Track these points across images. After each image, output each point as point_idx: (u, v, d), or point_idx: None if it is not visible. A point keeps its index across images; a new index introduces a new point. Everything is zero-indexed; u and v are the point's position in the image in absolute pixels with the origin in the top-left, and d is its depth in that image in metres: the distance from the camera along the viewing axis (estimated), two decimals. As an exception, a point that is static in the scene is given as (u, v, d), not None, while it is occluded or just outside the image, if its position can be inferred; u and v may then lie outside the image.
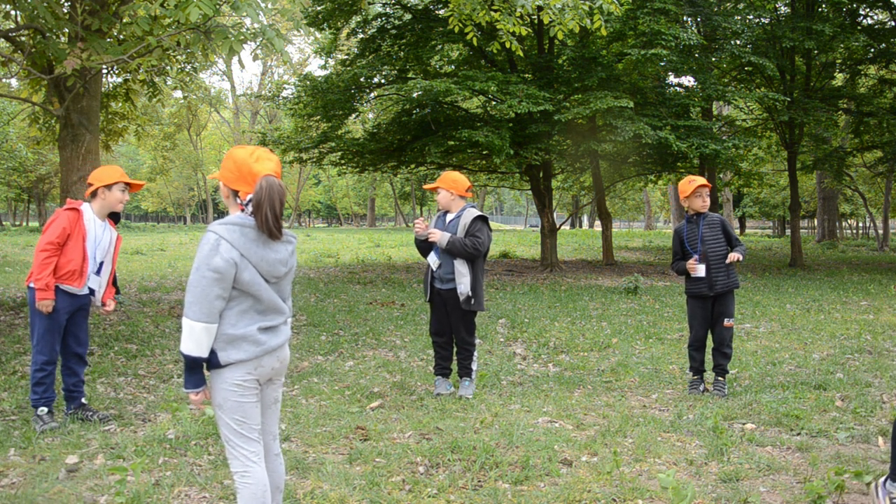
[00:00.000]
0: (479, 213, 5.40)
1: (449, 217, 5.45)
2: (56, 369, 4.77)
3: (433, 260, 5.41)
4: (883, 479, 3.36)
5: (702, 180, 5.47)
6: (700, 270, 5.49)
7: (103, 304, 4.87)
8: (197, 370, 2.58)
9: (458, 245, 5.25)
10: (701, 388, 5.64)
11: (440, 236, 5.30)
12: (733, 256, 5.42)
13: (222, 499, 3.49)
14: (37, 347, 4.60)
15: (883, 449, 4.23)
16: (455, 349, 5.58)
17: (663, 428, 4.62)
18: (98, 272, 4.75)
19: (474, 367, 5.54)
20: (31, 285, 4.54)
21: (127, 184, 4.72)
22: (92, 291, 4.76)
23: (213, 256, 2.51)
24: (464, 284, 5.28)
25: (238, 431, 2.63)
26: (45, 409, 4.62)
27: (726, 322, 5.57)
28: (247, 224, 2.58)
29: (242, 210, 2.63)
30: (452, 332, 5.51)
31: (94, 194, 4.66)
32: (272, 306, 2.66)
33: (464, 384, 5.52)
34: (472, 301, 5.33)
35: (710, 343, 5.74)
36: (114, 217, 4.87)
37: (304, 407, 5.12)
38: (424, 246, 5.49)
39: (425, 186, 5.85)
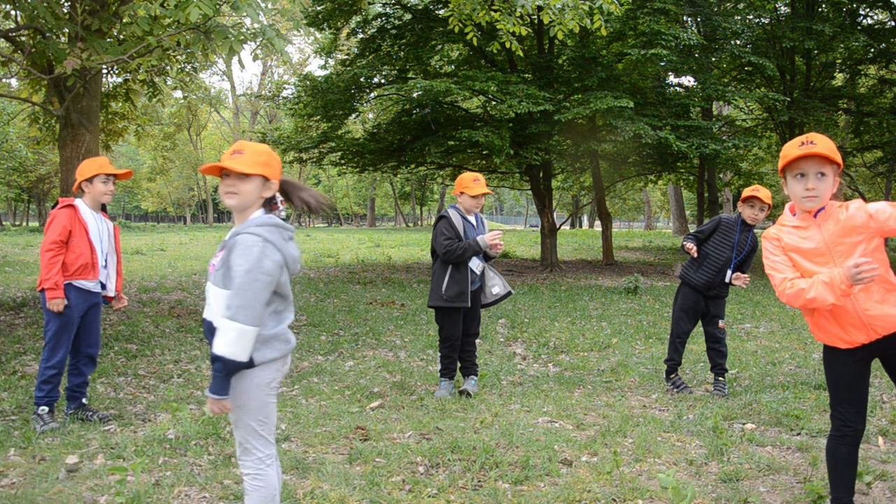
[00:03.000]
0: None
1: (472, 219, 5.47)
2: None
3: (477, 264, 5.45)
4: None
5: (762, 193, 5.29)
6: (727, 276, 5.47)
7: (118, 296, 4.92)
8: (232, 376, 2.51)
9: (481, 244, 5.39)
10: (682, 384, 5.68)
11: (480, 239, 5.35)
12: (742, 278, 5.41)
13: (222, 499, 3.49)
14: (50, 344, 4.60)
15: (883, 449, 4.23)
16: (462, 348, 5.62)
17: (663, 428, 4.61)
18: (104, 265, 4.78)
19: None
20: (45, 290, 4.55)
21: (109, 174, 4.69)
22: (103, 286, 4.79)
23: (264, 260, 2.48)
24: (498, 287, 5.53)
25: (258, 433, 2.61)
26: (46, 409, 4.62)
27: (720, 323, 5.62)
28: (280, 224, 2.57)
29: (276, 208, 2.61)
30: (466, 329, 5.54)
31: (80, 189, 4.70)
32: (290, 304, 2.71)
33: (470, 381, 5.58)
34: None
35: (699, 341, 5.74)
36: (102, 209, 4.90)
37: (304, 407, 5.12)
38: (474, 255, 5.37)
39: (489, 191, 5.53)
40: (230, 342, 2.44)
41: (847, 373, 2.99)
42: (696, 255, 5.50)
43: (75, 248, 4.60)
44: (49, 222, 4.61)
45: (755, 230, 5.55)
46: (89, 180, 4.65)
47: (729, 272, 5.46)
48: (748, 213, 5.38)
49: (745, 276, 5.44)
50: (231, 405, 2.57)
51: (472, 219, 5.45)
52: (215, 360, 2.46)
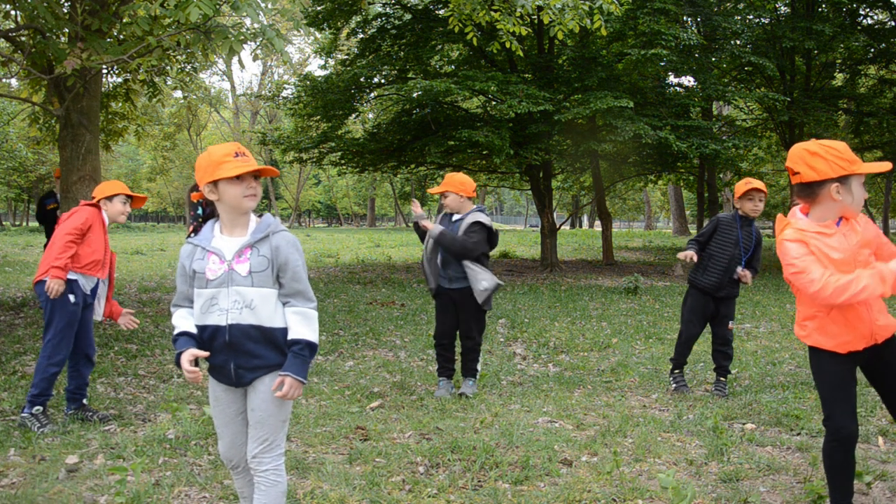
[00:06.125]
0: (484, 219, 5.35)
1: (455, 217, 5.46)
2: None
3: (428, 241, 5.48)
4: None
5: (758, 183, 5.33)
6: (736, 273, 5.44)
7: (104, 318, 4.92)
8: None
9: (448, 239, 5.28)
10: (684, 386, 5.63)
11: (433, 227, 5.36)
12: (744, 275, 5.38)
13: (222, 499, 3.49)
14: (54, 341, 4.58)
15: (883, 449, 4.23)
16: (460, 350, 5.58)
17: (663, 428, 4.61)
18: (96, 287, 4.82)
19: (478, 367, 5.59)
20: (46, 279, 4.55)
21: (129, 196, 4.84)
22: (93, 293, 4.79)
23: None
24: (486, 281, 5.30)
25: (284, 427, 2.71)
26: (41, 409, 4.61)
27: (730, 325, 5.58)
28: None
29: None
30: (461, 331, 5.49)
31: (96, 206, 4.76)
32: None
33: (467, 383, 5.53)
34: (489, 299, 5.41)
35: (706, 343, 5.74)
36: None
37: (304, 407, 5.12)
38: (420, 232, 5.56)
39: (431, 191, 5.77)
40: (316, 329, 2.64)
41: (843, 375, 3.02)
42: (695, 259, 5.47)
43: (92, 242, 4.66)
44: (70, 214, 4.67)
45: (755, 225, 5.55)
46: (109, 198, 4.77)
47: (739, 269, 5.43)
48: (750, 206, 5.37)
49: (748, 272, 5.41)
50: (273, 404, 2.64)
51: (455, 217, 5.46)
52: (310, 346, 2.60)
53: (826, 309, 2.93)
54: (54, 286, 4.49)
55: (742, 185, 5.37)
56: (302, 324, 2.60)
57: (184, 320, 2.66)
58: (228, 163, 2.57)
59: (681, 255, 5.48)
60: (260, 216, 2.72)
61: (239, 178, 2.58)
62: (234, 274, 2.58)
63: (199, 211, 2.76)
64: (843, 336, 2.95)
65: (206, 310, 2.60)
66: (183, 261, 2.68)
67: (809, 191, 2.92)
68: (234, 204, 2.61)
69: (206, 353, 2.59)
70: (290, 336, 2.61)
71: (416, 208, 5.56)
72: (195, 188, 2.76)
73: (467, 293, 5.34)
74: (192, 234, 2.75)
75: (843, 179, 2.85)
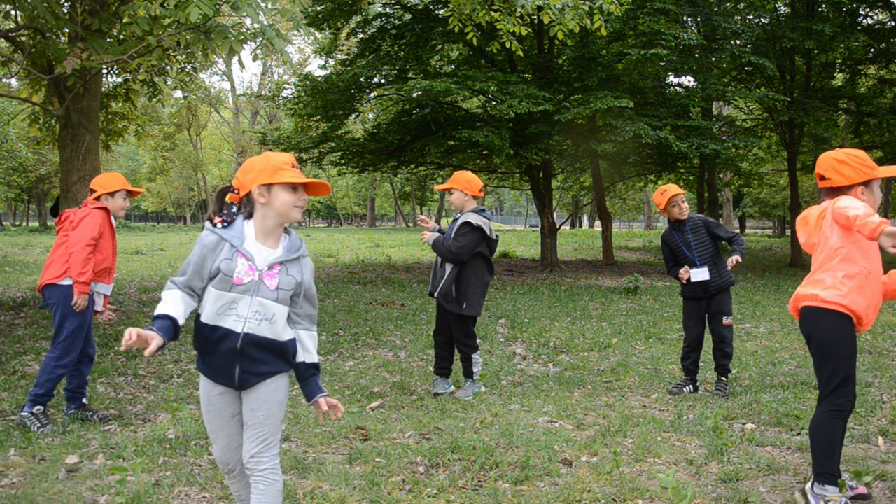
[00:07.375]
0: (476, 219, 5.24)
1: (457, 216, 5.44)
2: None
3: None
4: (809, 483, 3.36)
5: (674, 189, 5.48)
6: (703, 274, 5.46)
7: (104, 310, 4.94)
8: None
9: (439, 246, 5.27)
10: (687, 389, 5.59)
11: (429, 237, 5.35)
12: (733, 261, 5.37)
13: (222, 499, 3.49)
14: (65, 343, 4.60)
15: (883, 449, 4.23)
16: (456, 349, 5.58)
17: (663, 428, 4.61)
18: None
19: (475, 369, 5.51)
20: (63, 283, 4.55)
21: (128, 191, 4.82)
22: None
23: None
24: (444, 283, 5.30)
25: (280, 428, 2.73)
26: (41, 409, 4.62)
27: (725, 320, 5.54)
28: None
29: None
30: (453, 337, 5.49)
31: (97, 200, 4.73)
32: None
33: (464, 386, 5.51)
34: (461, 304, 5.29)
35: (709, 343, 5.74)
36: None
37: (304, 407, 5.12)
38: None
39: (437, 187, 5.84)
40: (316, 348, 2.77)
41: (855, 348, 3.31)
42: (688, 273, 5.49)
43: (102, 249, 4.66)
44: (82, 218, 4.62)
45: (692, 217, 5.60)
46: (111, 194, 4.73)
47: (697, 270, 5.46)
48: (676, 212, 5.53)
49: (734, 257, 5.41)
50: (274, 404, 2.68)
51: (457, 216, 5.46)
52: (317, 366, 2.78)
53: (868, 270, 3.25)
54: (81, 302, 4.54)
55: (661, 198, 5.48)
56: (314, 347, 2.75)
57: (177, 304, 2.53)
58: (287, 170, 2.58)
59: (682, 276, 5.51)
60: (286, 231, 2.71)
61: (294, 187, 2.60)
62: (262, 286, 2.57)
63: (234, 210, 2.68)
64: (871, 300, 3.27)
65: (223, 312, 2.56)
66: (205, 252, 2.56)
67: (839, 193, 3.33)
68: (283, 211, 2.59)
69: (155, 348, 2.37)
70: (307, 359, 2.73)
71: (425, 223, 5.53)
72: (230, 189, 2.68)
73: (446, 297, 5.36)
74: (221, 224, 2.66)
75: (866, 183, 3.31)
